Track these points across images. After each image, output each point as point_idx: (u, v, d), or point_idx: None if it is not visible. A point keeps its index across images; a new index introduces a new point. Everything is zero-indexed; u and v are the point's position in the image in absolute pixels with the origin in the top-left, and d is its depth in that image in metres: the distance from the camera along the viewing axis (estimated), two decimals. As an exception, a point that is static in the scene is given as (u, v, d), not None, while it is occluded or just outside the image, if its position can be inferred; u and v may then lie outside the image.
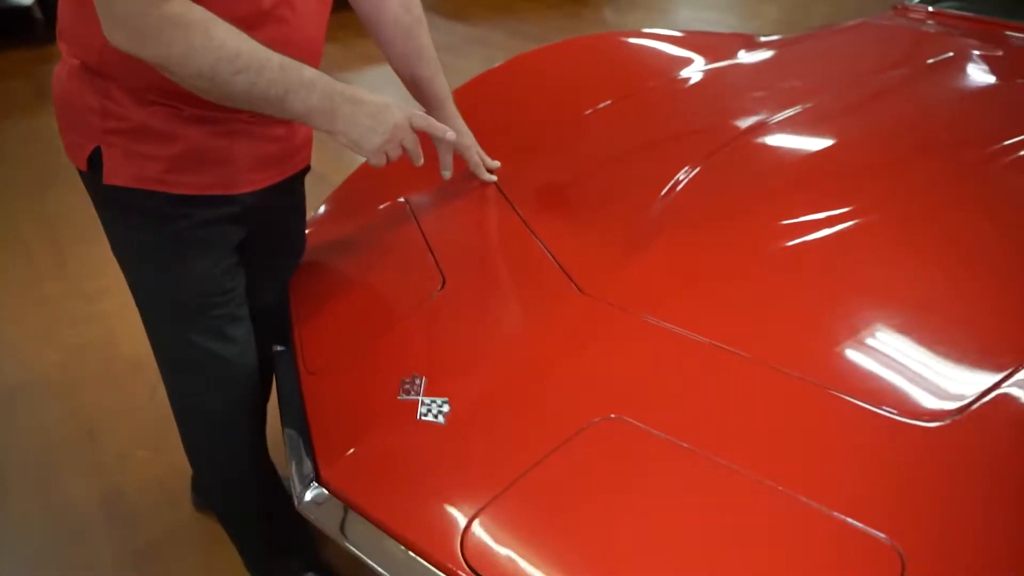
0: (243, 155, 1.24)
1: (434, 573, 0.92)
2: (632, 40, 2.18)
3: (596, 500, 0.95)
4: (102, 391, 2.37)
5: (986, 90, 1.83)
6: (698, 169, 1.47)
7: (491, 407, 1.10)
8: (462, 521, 0.95)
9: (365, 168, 1.74)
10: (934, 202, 1.35)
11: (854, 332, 1.10)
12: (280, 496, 1.54)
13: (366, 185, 1.75)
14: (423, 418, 1.09)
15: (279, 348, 1.40)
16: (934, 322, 1.13)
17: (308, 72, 1.13)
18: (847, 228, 1.28)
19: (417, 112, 1.26)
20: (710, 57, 2.00)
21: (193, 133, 1.19)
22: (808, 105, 1.67)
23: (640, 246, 1.31)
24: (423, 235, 1.48)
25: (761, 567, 0.86)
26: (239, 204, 1.27)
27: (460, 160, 1.54)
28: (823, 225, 1.29)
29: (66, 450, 2.16)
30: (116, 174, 1.19)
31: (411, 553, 0.95)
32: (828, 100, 1.71)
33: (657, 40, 2.17)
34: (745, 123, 1.63)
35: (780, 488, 0.91)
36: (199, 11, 1.03)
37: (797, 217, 1.32)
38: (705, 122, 1.70)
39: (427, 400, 1.11)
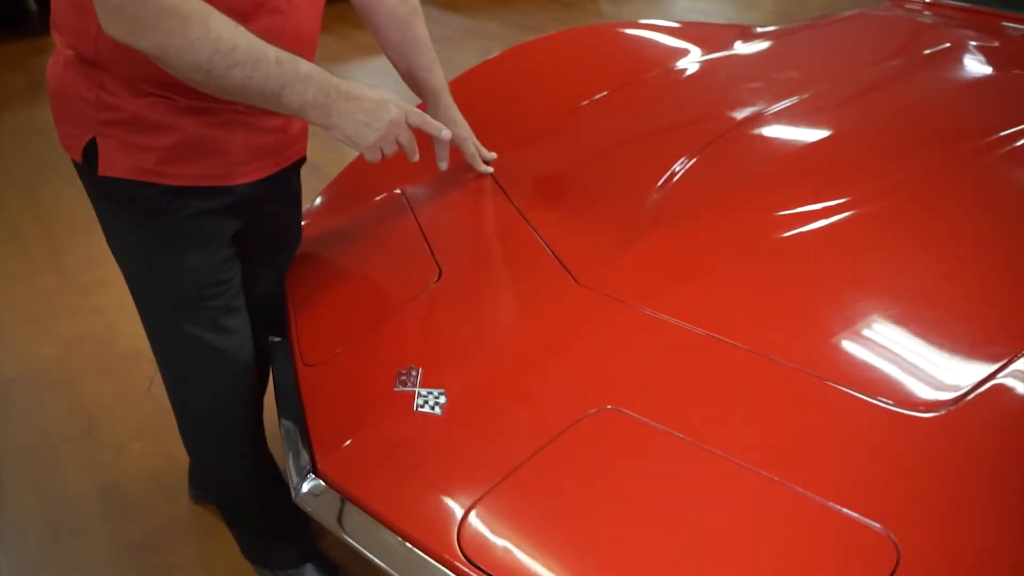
0: (239, 146, 1.24)
1: (431, 564, 0.92)
2: (628, 31, 2.17)
3: (592, 491, 0.96)
4: (99, 384, 2.37)
5: (983, 81, 1.83)
6: (694, 160, 1.47)
7: (487, 398, 1.10)
8: (459, 512, 0.95)
9: (361, 160, 1.74)
10: (930, 193, 1.36)
11: (850, 323, 1.10)
12: (279, 486, 1.54)
13: (362, 177, 1.75)
14: (419, 409, 1.09)
15: (275, 339, 1.40)
16: (930, 313, 1.13)
17: (305, 66, 1.12)
18: (843, 219, 1.28)
19: (414, 109, 1.26)
20: (707, 48, 2.00)
21: (189, 124, 1.18)
22: (805, 96, 1.67)
23: (636, 237, 1.31)
24: (419, 227, 1.48)
25: (756, 557, 0.86)
26: (235, 195, 1.27)
27: (456, 151, 1.54)
28: (819, 216, 1.29)
29: (63, 443, 2.16)
30: (111, 165, 1.19)
31: (408, 544, 0.95)
32: (825, 91, 1.71)
33: (653, 31, 2.17)
34: (741, 114, 1.63)
35: (775, 478, 0.92)
36: (196, 2, 1.02)
37: (793, 208, 1.32)
38: (701, 113, 1.70)
39: (423, 391, 1.11)
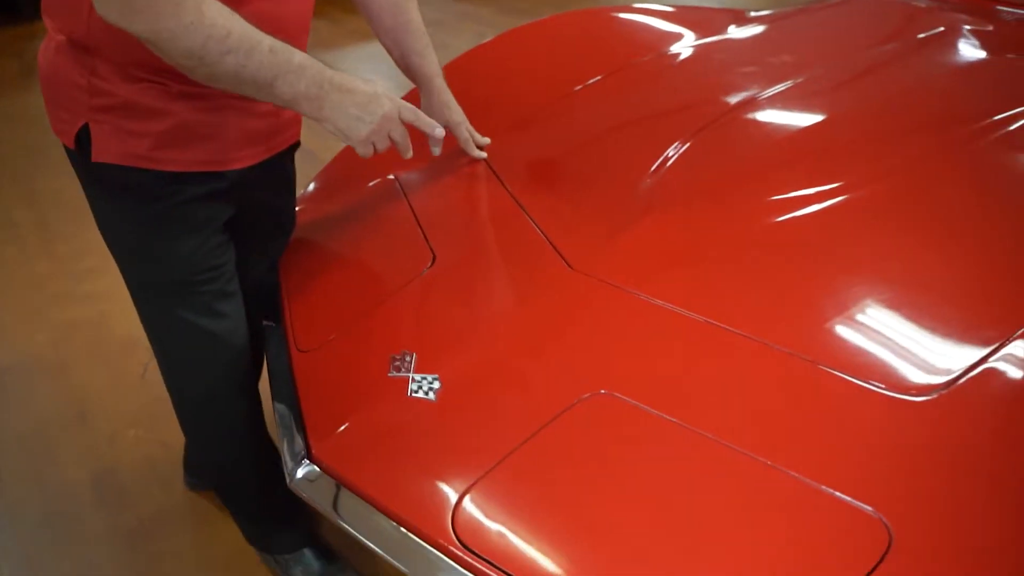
0: (232, 131, 1.23)
1: (426, 549, 0.93)
2: (622, 15, 2.17)
3: (586, 475, 0.96)
4: (93, 371, 2.37)
5: (977, 65, 1.83)
6: (688, 144, 1.47)
7: (481, 383, 1.11)
8: (453, 497, 0.95)
9: (355, 145, 1.73)
10: (924, 177, 1.35)
11: (843, 307, 1.11)
12: (276, 470, 1.54)
13: (356, 162, 1.73)
14: (414, 395, 1.09)
15: (269, 324, 1.40)
16: (922, 297, 1.13)
17: (298, 57, 1.12)
18: (837, 203, 1.28)
19: (407, 104, 1.26)
20: (700, 32, 1.99)
21: (181, 109, 1.18)
22: (799, 80, 1.67)
23: (630, 222, 1.30)
24: (413, 212, 1.47)
25: (750, 540, 0.87)
26: (228, 181, 1.27)
27: (450, 136, 1.54)
28: (813, 200, 1.29)
29: (57, 430, 2.16)
30: (104, 151, 1.18)
31: (403, 529, 0.96)
32: (819, 75, 1.71)
33: (647, 15, 2.16)
34: (735, 98, 1.63)
35: (768, 462, 0.92)
36: None
37: (787, 192, 1.32)
38: (695, 97, 1.70)
39: (417, 377, 1.11)
